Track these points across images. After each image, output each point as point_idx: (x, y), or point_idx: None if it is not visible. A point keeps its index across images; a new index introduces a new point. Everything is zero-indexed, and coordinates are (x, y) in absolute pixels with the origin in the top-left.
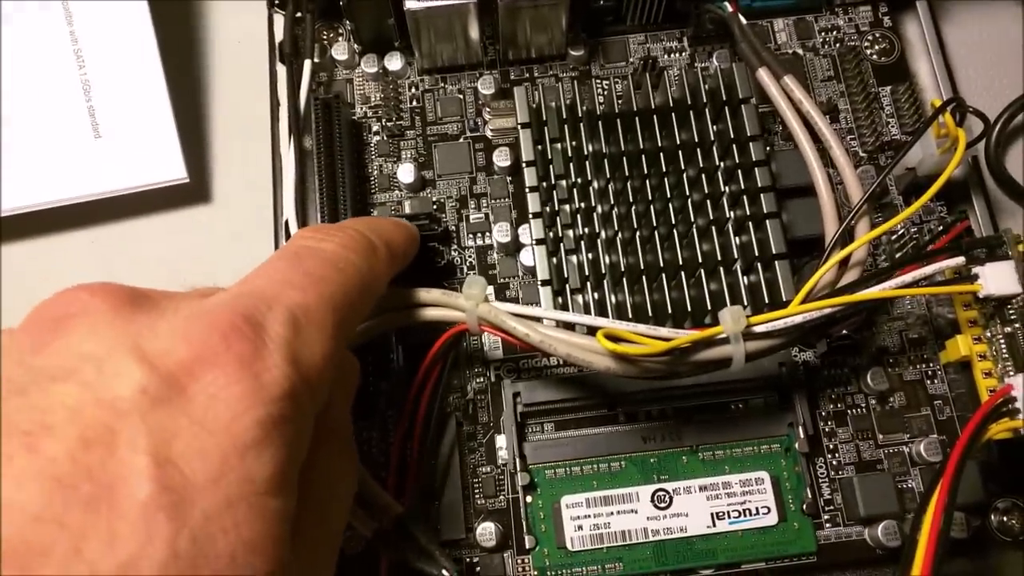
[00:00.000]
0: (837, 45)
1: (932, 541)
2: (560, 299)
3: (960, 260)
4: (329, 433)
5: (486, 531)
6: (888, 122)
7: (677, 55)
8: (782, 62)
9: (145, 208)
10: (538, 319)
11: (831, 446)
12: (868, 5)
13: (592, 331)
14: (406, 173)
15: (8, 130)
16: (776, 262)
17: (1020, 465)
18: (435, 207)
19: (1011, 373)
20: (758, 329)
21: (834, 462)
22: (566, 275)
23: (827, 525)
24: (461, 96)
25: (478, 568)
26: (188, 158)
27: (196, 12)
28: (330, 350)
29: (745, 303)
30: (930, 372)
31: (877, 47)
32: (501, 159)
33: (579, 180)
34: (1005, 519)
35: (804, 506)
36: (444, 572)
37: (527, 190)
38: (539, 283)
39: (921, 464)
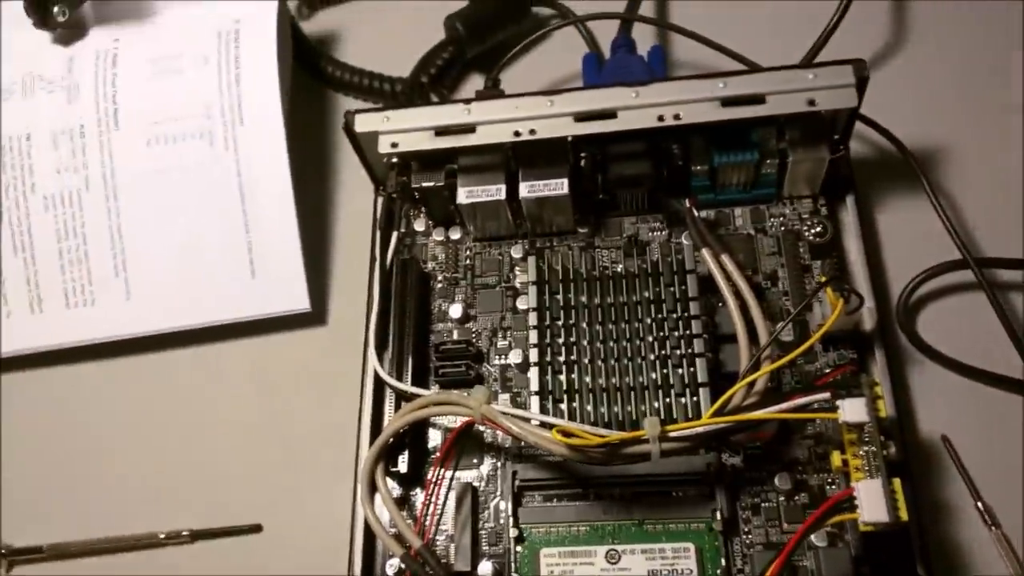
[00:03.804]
0: (782, 228)
1: None
2: (548, 406)
3: (826, 395)
4: None
5: (486, 568)
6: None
7: (658, 232)
8: (723, 243)
9: (272, 328)
10: (524, 419)
11: (746, 529)
12: (810, 198)
13: None
14: (455, 311)
15: (189, 257)
16: (700, 389)
17: (883, 552)
18: (473, 335)
19: (862, 479)
20: (672, 435)
21: (747, 541)
22: (551, 389)
23: None
24: (500, 257)
25: None
26: (311, 291)
27: (330, 186)
28: None
29: (675, 416)
30: (829, 480)
31: (814, 230)
32: (522, 303)
33: (570, 322)
34: None
35: (718, 572)
36: None
37: (530, 327)
38: (532, 393)
39: (812, 548)
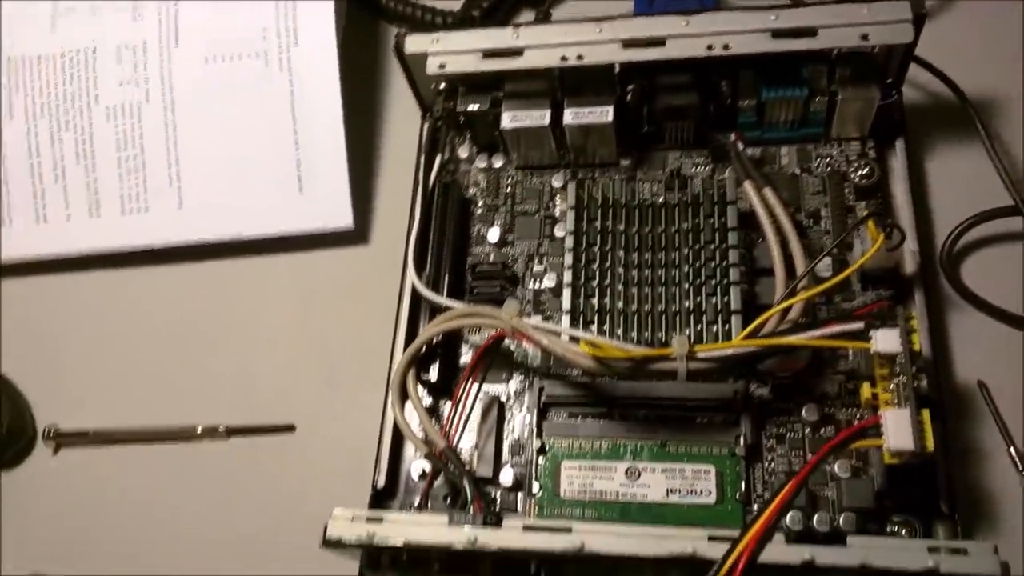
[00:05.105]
0: (828, 169)
1: (769, 516)
2: (579, 327)
3: (859, 325)
4: None
5: (507, 475)
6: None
7: (701, 168)
8: (766, 178)
9: (315, 244)
10: (553, 332)
11: (769, 457)
12: (858, 140)
13: None
14: (493, 234)
15: (240, 171)
16: (732, 316)
17: (907, 488)
18: (510, 259)
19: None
20: (700, 355)
21: (769, 468)
22: (582, 310)
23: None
24: (541, 186)
25: (498, 499)
26: (355, 210)
27: (379, 112)
28: None
29: (705, 342)
30: (858, 416)
31: (861, 172)
32: (559, 230)
33: (606, 249)
34: (896, 530)
35: (738, 495)
36: (465, 482)
37: (567, 251)
38: (563, 313)
39: (836, 479)
